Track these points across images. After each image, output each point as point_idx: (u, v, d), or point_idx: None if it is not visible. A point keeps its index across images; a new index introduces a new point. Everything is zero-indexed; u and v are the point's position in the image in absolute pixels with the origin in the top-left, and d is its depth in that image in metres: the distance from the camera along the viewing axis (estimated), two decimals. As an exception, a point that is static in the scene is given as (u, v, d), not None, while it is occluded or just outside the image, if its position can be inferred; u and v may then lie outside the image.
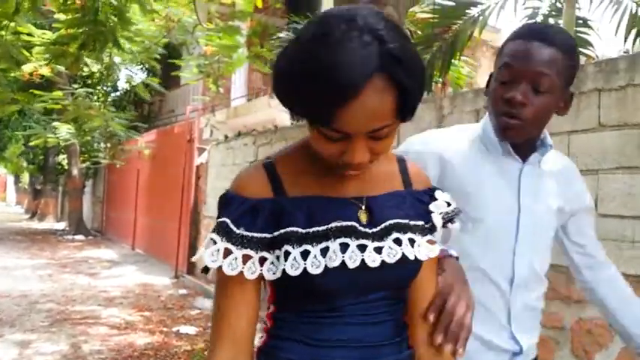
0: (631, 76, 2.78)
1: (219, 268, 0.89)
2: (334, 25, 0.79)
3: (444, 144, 1.32)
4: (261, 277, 0.92)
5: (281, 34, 6.67)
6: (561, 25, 4.15)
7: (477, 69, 11.46)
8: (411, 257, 0.93)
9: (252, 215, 0.90)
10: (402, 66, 0.79)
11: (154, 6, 6.54)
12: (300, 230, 0.90)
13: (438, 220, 1.01)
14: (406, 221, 0.95)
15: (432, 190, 1.04)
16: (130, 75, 9.69)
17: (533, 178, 1.31)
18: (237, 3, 8.09)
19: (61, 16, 6.47)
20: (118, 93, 16.45)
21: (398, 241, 0.93)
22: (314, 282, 0.88)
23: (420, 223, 0.97)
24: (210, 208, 8.34)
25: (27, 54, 6.88)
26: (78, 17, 6.23)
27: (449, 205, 1.03)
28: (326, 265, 0.88)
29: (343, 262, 0.89)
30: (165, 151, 10.32)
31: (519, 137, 1.25)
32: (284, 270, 0.88)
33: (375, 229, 0.93)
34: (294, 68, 0.81)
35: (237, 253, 0.89)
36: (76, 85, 9.98)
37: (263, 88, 10.50)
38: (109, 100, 14.29)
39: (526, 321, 1.31)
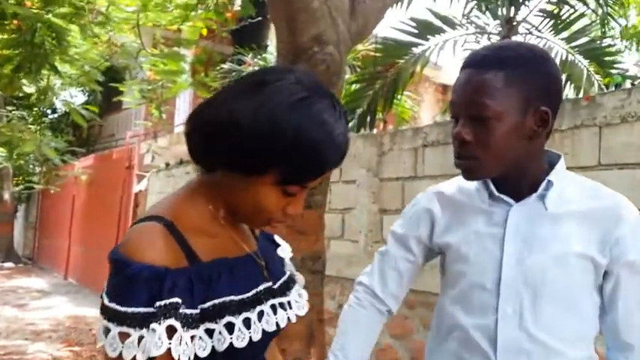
0: (559, 123, 2.91)
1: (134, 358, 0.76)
2: (319, 94, 0.86)
3: (436, 197, 1.25)
4: None
5: (225, 65, 6.65)
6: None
7: (420, 104, 11.79)
8: (304, 311, 0.99)
9: (185, 290, 0.81)
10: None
11: (95, 30, 6.39)
12: (234, 298, 0.85)
13: (290, 265, 1.06)
14: (288, 275, 1.00)
15: (269, 234, 1.08)
16: (66, 100, 9.39)
17: (528, 221, 1.11)
18: (183, 30, 8.05)
19: (-4, 36, 6.23)
20: (55, 115, 15.91)
21: (300, 295, 0.98)
22: (251, 349, 0.85)
23: (289, 272, 1.02)
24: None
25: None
26: (14, 38, 6.03)
27: (287, 248, 1.10)
28: (263, 330, 0.87)
29: (276, 324, 0.89)
30: (102, 177, 10.01)
31: (482, 176, 1.12)
32: (231, 342, 0.82)
33: (277, 286, 0.94)
34: (303, 134, 0.82)
35: (186, 335, 0.78)
36: (10, 107, 9.58)
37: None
38: (46, 122, 13.81)
39: None
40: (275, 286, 0.94)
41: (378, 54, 5.00)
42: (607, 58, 4.48)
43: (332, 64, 3.23)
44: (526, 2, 4.69)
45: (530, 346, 1.06)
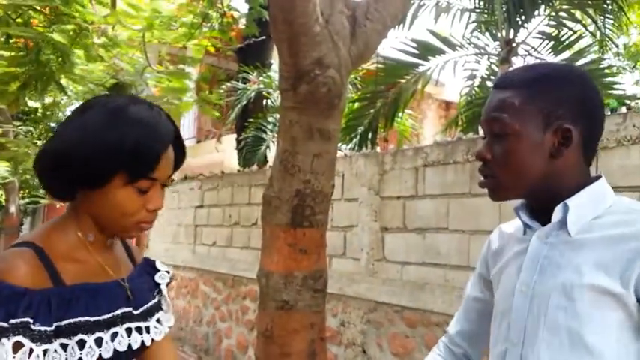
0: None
1: None
2: (134, 102, 1.05)
3: (497, 232, 1.23)
4: None
5: (229, 83, 6.74)
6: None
7: (423, 121, 11.86)
8: (160, 336, 1.09)
9: (42, 309, 0.91)
10: (178, 140, 1.10)
11: (99, 52, 6.50)
12: (90, 319, 0.95)
13: (165, 290, 1.17)
14: (155, 301, 1.10)
15: (152, 261, 1.19)
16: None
17: (550, 248, 1.04)
18: (189, 47, 8.16)
19: (3, 53, 6.34)
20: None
21: (158, 320, 1.09)
22: None
23: (158, 299, 1.12)
24: (152, 253, 8.14)
25: (-35, 90, 6.67)
26: (20, 56, 6.12)
27: (167, 272, 1.19)
28: (115, 349, 0.98)
29: (129, 345, 1.00)
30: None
31: (504, 196, 1.08)
32: (80, 358, 0.92)
33: (139, 311, 1.05)
34: (126, 137, 0.98)
35: (38, 349, 0.88)
36: (17, 123, 9.69)
37: (213, 131, 10.49)
38: (52, 137, 13.92)
39: None
40: (136, 312, 1.05)
41: (379, 73, 5.07)
42: (606, 80, 4.54)
43: (333, 87, 3.29)
44: (525, 25, 4.76)
45: None
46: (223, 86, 6.91)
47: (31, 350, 0.86)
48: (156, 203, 1.03)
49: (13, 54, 6.22)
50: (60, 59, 6.23)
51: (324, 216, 3.38)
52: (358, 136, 5.21)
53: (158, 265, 1.19)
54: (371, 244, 4.08)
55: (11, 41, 6.12)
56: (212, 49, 7.59)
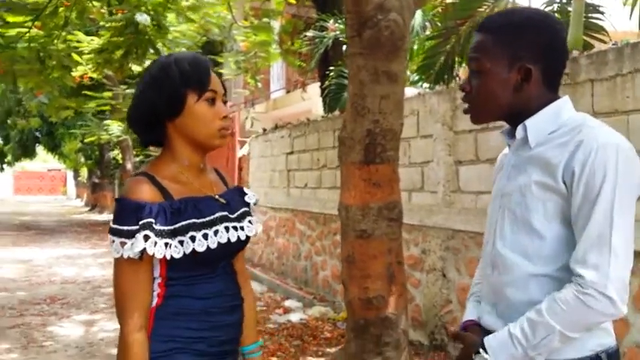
0: (619, 67, 3.00)
1: (139, 255, 1.23)
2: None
3: (500, 155, 1.45)
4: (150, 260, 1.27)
5: (309, 33, 6.99)
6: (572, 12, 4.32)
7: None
8: (252, 233, 1.41)
9: (160, 215, 1.26)
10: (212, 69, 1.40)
11: (188, 14, 6.98)
12: (196, 221, 1.30)
13: (253, 206, 1.49)
14: (247, 209, 1.44)
15: (241, 187, 1.51)
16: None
17: (513, 157, 1.31)
18: (270, 0, 8.46)
19: (106, 24, 6.96)
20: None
21: (250, 222, 1.41)
22: (211, 253, 1.30)
23: (248, 209, 1.45)
24: (252, 198, 8.79)
25: (78, 58, 7.45)
26: (121, 26, 6.71)
27: (254, 195, 1.52)
28: (218, 242, 1.31)
29: (228, 239, 1.33)
30: (209, 144, 10.83)
31: (477, 120, 1.34)
32: (193, 248, 1.27)
33: (234, 215, 1.39)
34: (179, 63, 1.33)
35: (160, 241, 1.24)
36: (124, 86, 10.59)
37: (300, 80, 10.84)
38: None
39: (504, 307, 1.27)
40: (232, 216, 1.38)
41: (452, 8, 5.10)
42: None
43: (396, 30, 3.49)
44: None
45: (496, 259, 1.28)
46: (302, 36, 7.17)
47: (156, 242, 1.22)
48: (224, 110, 1.35)
49: (115, 24, 6.84)
50: (155, 25, 6.77)
51: (395, 152, 3.64)
52: (434, 74, 5.31)
53: (246, 190, 1.52)
54: (446, 177, 4.30)
55: (113, 14, 6.73)
56: (292, 0, 7.85)
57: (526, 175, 1.24)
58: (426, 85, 5.79)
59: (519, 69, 1.24)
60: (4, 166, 25.08)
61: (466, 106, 1.34)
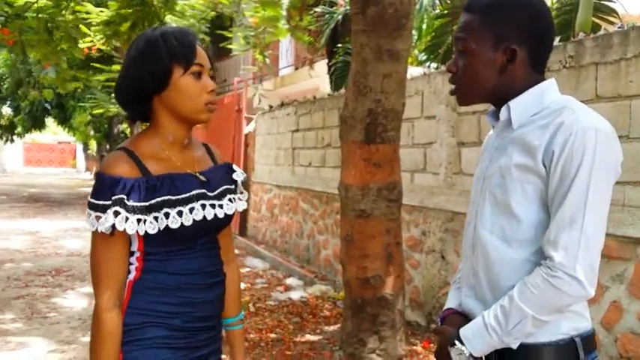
0: (624, 51, 2.95)
1: (110, 230, 1.24)
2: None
3: (486, 138, 1.43)
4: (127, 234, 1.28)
5: (317, 9, 6.91)
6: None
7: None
8: (232, 211, 1.39)
9: (134, 191, 1.27)
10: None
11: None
12: (171, 197, 1.30)
13: (240, 185, 1.48)
14: (229, 187, 1.43)
15: (230, 164, 1.50)
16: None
17: (496, 139, 1.31)
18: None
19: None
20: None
21: (230, 200, 1.40)
22: (185, 230, 1.30)
23: (232, 187, 1.45)
24: (258, 175, 8.82)
25: (86, 30, 7.43)
26: (128, -1, 6.66)
27: (242, 173, 1.50)
28: (193, 219, 1.31)
29: (204, 216, 1.33)
30: (217, 120, 10.84)
31: (463, 101, 1.32)
32: (166, 225, 1.27)
33: (213, 193, 1.38)
34: (165, 36, 1.33)
35: (132, 217, 1.25)
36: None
37: (309, 57, 10.76)
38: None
39: (482, 289, 1.27)
40: (211, 194, 1.38)
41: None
42: None
43: (400, 7, 3.45)
44: None
45: (476, 241, 1.28)
46: (311, 12, 7.09)
47: (127, 218, 1.23)
48: (210, 84, 1.35)
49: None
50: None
51: (396, 132, 3.62)
52: (442, 54, 5.25)
53: (235, 167, 1.52)
54: (449, 158, 4.27)
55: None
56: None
57: (507, 157, 1.23)
58: (434, 64, 5.74)
59: (504, 50, 1.23)
60: (14, 137, 25.23)
61: (452, 87, 1.32)
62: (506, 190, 1.21)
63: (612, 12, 4.58)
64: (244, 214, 9.22)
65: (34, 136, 30.92)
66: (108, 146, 22.53)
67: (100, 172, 1.29)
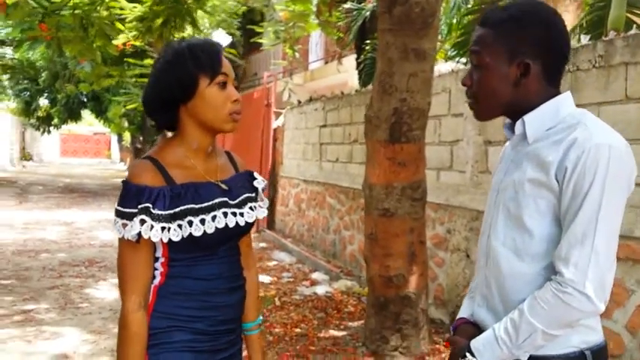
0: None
1: (136, 237, 1.29)
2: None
3: (502, 148, 1.44)
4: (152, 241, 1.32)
5: (346, 5, 6.91)
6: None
7: (560, 23, 11.04)
8: (252, 219, 1.43)
9: (159, 199, 1.31)
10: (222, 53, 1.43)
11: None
12: (195, 206, 1.34)
13: (260, 192, 1.52)
14: (250, 195, 1.46)
15: (251, 172, 1.53)
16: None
17: (512, 152, 1.32)
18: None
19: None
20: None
21: (251, 208, 1.44)
22: (208, 238, 1.34)
23: (253, 194, 1.48)
24: (286, 169, 8.89)
25: (121, 26, 7.57)
26: (161, -4, 6.77)
27: (263, 181, 1.53)
28: (216, 227, 1.35)
29: (226, 224, 1.37)
30: (246, 114, 10.91)
31: (480, 116, 1.34)
32: (190, 232, 1.31)
33: (235, 201, 1.42)
34: (193, 48, 1.37)
35: (157, 225, 1.30)
36: (164, 55, 10.72)
37: (338, 52, 10.76)
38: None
39: (494, 301, 1.29)
40: (232, 202, 1.42)
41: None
42: None
43: (426, 6, 3.44)
44: None
45: (489, 252, 1.30)
46: (340, 8, 7.10)
47: (152, 226, 1.29)
48: (234, 94, 1.38)
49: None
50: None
51: (422, 131, 3.62)
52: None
53: (256, 175, 1.56)
54: (475, 156, 4.25)
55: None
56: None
57: (521, 171, 1.24)
58: (462, 60, 5.69)
59: (518, 64, 1.24)
60: (51, 128, 25.89)
61: (470, 101, 1.33)
62: (519, 204, 1.23)
63: (645, 9, 4.46)
64: (272, 207, 9.31)
65: (71, 127, 31.65)
66: (141, 138, 22.93)
67: (127, 180, 1.34)
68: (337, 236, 6.68)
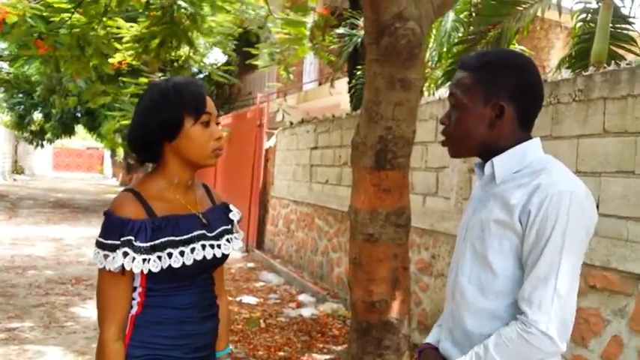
0: (631, 87, 2.98)
1: (120, 269, 1.34)
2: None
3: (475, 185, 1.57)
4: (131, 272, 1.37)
5: (339, 30, 7.03)
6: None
7: (550, 51, 11.25)
8: (229, 251, 1.49)
9: (141, 232, 1.36)
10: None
11: (224, 4, 7.12)
12: (174, 238, 1.39)
13: (236, 224, 1.58)
14: (227, 227, 1.52)
15: (227, 204, 1.59)
16: (204, 63, 10.48)
17: (481, 192, 1.37)
18: (305, -6, 8.52)
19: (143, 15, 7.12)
20: (201, 76, 17.42)
21: (228, 240, 1.50)
22: (186, 269, 1.39)
23: (229, 227, 1.53)
24: (277, 189, 8.93)
25: (117, 45, 7.65)
26: (158, 17, 6.88)
27: (238, 213, 1.59)
28: (194, 259, 1.41)
29: (204, 256, 1.42)
30: (239, 134, 11.01)
31: (454, 153, 1.40)
32: (169, 264, 1.36)
33: (213, 234, 1.47)
34: (179, 88, 1.43)
35: (139, 257, 1.35)
36: (160, 73, 10.81)
37: (330, 74, 10.89)
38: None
39: (459, 336, 1.33)
40: (210, 234, 1.47)
41: (480, 13, 5.07)
42: None
43: (413, 38, 3.52)
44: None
45: (455, 287, 1.36)
46: (333, 33, 7.22)
47: (134, 258, 1.34)
48: (217, 132, 1.45)
49: (153, 13, 7.01)
50: (191, 17, 6.91)
51: (406, 159, 3.68)
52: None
53: (231, 207, 1.63)
54: (459, 183, 4.32)
55: (150, 4, 6.89)
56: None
57: (487, 211, 1.30)
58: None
59: (493, 106, 1.30)
60: (44, 142, 25.87)
61: (444, 139, 1.40)
62: (484, 243, 1.28)
63: (630, 40, 4.58)
64: (262, 227, 9.33)
65: (64, 141, 31.62)
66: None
67: (110, 212, 1.39)
68: (325, 258, 6.71)
